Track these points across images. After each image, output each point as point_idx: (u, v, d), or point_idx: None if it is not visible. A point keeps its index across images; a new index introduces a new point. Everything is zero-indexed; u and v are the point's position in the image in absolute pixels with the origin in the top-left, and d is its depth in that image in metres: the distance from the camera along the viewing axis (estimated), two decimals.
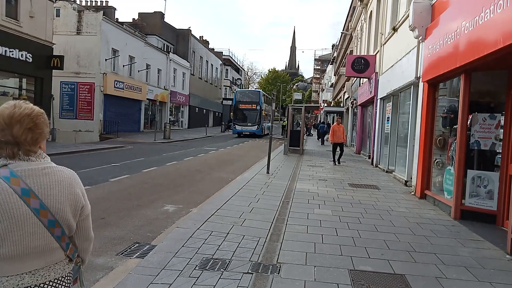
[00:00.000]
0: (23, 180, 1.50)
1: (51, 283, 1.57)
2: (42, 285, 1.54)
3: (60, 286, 1.61)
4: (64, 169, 1.68)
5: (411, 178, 9.88)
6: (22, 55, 17.59)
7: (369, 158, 16.74)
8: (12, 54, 17.02)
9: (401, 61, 11.51)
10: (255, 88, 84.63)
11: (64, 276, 1.63)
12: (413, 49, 10.10)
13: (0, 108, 1.55)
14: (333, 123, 43.01)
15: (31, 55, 18.06)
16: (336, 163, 14.77)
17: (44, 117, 1.62)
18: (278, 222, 6.09)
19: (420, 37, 9.17)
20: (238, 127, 34.51)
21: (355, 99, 23.61)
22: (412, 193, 9.24)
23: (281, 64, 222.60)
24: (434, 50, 8.16)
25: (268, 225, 5.84)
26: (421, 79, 9.25)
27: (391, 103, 13.34)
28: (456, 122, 7.20)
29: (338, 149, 15.30)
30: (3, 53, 16.51)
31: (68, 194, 1.60)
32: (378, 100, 15.28)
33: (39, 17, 18.49)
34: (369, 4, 19.37)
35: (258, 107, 34.59)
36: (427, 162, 8.69)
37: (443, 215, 7.20)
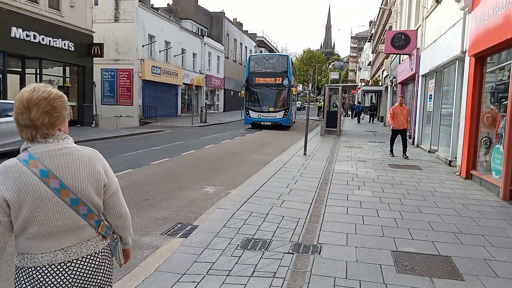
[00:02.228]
0: (41, 162, 1.54)
1: (84, 259, 1.62)
2: (75, 261, 1.60)
3: (93, 261, 1.65)
4: (84, 148, 1.69)
5: (456, 158, 9.48)
6: (64, 44, 18.26)
7: (410, 138, 16.20)
8: (56, 44, 17.71)
9: (445, 35, 10.93)
10: None
11: (97, 252, 1.67)
12: (458, 21, 9.54)
13: (21, 91, 1.58)
14: (371, 102, 42.30)
15: (73, 44, 18.72)
16: (399, 155, 11.57)
17: (62, 100, 1.64)
18: (317, 203, 6.07)
19: (467, 8, 8.64)
20: (253, 114, 22.68)
21: (394, 77, 22.79)
22: (457, 173, 8.88)
23: (316, 43, 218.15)
24: (482, 22, 7.67)
25: (307, 206, 5.83)
26: (467, 53, 8.75)
27: (434, 80, 12.76)
28: (505, 98, 6.79)
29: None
30: (48, 43, 17.22)
31: (88, 173, 1.62)
32: (420, 77, 14.66)
33: (79, 6, 19.06)
34: None
35: (286, 82, 22.37)
36: (474, 141, 8.29)
37: (491, 195, 6.89)
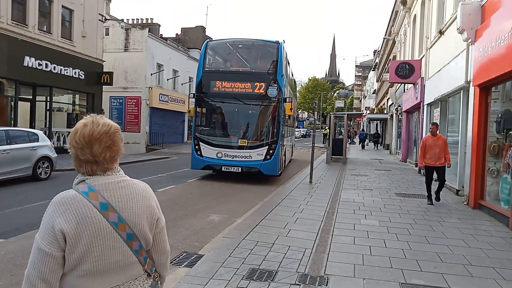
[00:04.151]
0: (101, 194, 1.49)
1: None
2: None
3: None
4: (138, 181, 1.66)
5: (463, 187, 9.40)
6: (75, 72, 18.69)
7: (416, 166, 16.11)
8: (67, 72, 18.15)
9: (449, 65, 11.07)
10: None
11: None
12: (461, 52, 9.69)
13: (78, 126, 1.54)
14: (377, 130, 42.51)
15: (83, 73, 19.17)
16: (434, 200, 8.80)
17: (120, 133, 1.62)
18: (324, 233, 6.01)
19: (470, 40, 8.80)
20: (207, 151, 12.04)
21: (399, 106, 22.92)
22: (465, 202, 8.78)
23: (321, 72, 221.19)
24: (486, 53, 7.79)
25: (313, 236, 5.78)
26: (471, 83, 8.83)
27: (439, 109, 12.83)
28: (511, 127, 6.80)
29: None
30: (59, 72, 17.65)
31: (144, 207, 1.59)
32: (425, 106, 14.75)
33: (90, 36, 19.64)
34: (413, 7, 18.84)
35: (273, 91, 11.89)
36: (481, 170, 8.24)
37: (500, 226, 6.78)
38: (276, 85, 11.72)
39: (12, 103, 15.89)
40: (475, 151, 8.39)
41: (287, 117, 14.12)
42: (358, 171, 15.00)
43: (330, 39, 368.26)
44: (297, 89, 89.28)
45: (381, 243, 5.51)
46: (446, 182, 9.09)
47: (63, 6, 17.83)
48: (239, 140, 11.92)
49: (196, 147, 12.10)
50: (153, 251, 1.69)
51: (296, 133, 48.44)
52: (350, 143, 37.08)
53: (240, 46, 13.45)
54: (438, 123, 10.74)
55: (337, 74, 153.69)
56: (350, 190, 10.33)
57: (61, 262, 1.45)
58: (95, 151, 1.51)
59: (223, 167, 11.79)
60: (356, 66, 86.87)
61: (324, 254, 4.99)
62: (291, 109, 12.33)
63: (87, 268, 1.46)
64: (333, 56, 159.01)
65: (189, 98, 12.72)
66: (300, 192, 9.66)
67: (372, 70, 53.74)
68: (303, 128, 61.90)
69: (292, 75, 17.91)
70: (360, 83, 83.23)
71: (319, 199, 8.80)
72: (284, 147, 13.49)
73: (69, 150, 1.56)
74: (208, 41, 12.90)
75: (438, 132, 8.97)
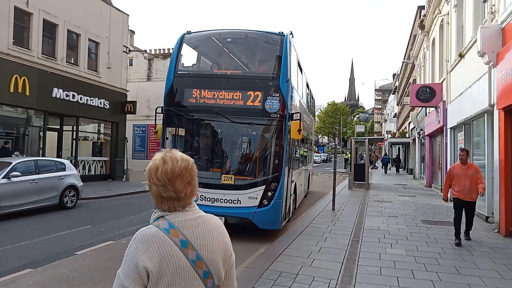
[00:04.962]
0: (181, 231, 1.48)
1: None
2: None
3: None
4: (213, 217, 1.64)
5: (493, 214, 9.08)
6: (100, 102, 19.34)
7: (442, 191, 15.71)
8: (92, 102, 18.79)
9: (471, 88, 10.93)
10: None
11: None
12: (483, 75, 9.58)
13: (157, 162, 1.53)
14: (398, 154, 42.01)
15: (108, 102, 19.81)
16: (463, 238, 7.49)
17: (195, 166, 1.60)
18: (349, 262, 5.88)
19: (491, 63, 8.71)
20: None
21: (421, 129, 22.60)
22: (495, 230, 8.46)
23: (340, 96, 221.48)
24: (509, 75, 7.68)
25: (338, 266, 5.66)
26: (495, 106, 8.68)
27: (463, 133, 12.59)
28: None
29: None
30: (85, 102, 18.29)
31: (219, 244, 1.57)
32: (448, 130, 14.50)
33: (115, 67, 20.40)
34: (431, 31, 18.85)
35: (273, 104, 7.85)
36: (510, 196, 7.97)
37: None
38: (278, 94, 7.81)
39: (41, 133, 16.49)
40: (503, 176, 8.15)
41: (296, 141, 9.95)
42: (381, 197, 14.71)
43: (347, 63, 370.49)
44: (317, 114, 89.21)
45: (409, 274, 5.34)
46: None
47: (89, 39, 18.70)
48: (223, 176, 7.95)
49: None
50: (222, 287, 1.66)
51: (316, 158, 48.23)
52: (372, 168, 36.59)
53: (228, 40, 9.47)
54: (464, 147, 10.33)
55: (356, 98, 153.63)
56: (374, 217, 10.12)
57: None
58: (178, 188, 1.51)
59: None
60: (375, 89, 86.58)
61: (350, 285, 4.87)
62: (299, 130, 7.69)
63: None
64: (351, 80, 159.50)
65: (155, 113, 8.66)
66: (322, 220, 9.52)
67: (392, 94, 53.45)
68: (323, 153, 61.47)
69: (308, 87, 13.88)
70: (380, 106, 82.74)
71: (342, 227, 8.65)
72: (293, 184, 9.40)
73: (148, 188, 1.55)
74: (184, 34, 8.91)
75: (468, 159, 7.65)
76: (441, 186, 15.77)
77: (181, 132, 8.90)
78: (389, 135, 46.83)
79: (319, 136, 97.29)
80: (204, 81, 8.56)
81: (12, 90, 14.38)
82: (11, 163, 9.93)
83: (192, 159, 1.61)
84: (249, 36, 9.37)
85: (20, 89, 14.69)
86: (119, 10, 21.09)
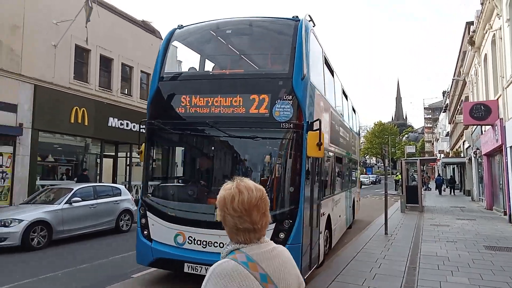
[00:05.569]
0: (259, 265, 1.43)
1: None
2: None
3: None
4: (284, 248, 1.60)
5: None
6: (134, 126, 19.46)
7: (505, 214, 14.63)
8: (144, 130, 19.61)
9: None
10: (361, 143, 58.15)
11: None
12: None
13: (231, 192, 1.48)
14: (452, 174, 39.79)
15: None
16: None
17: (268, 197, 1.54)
18: None
19: None
20: (160, 231, 6.02)
21: (478, 148, 21.40)
22: None
23: (387, 116, 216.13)
24: None
25: None
26: None
27: None
28: None
29: None
30: (137, 129, 19.18)
31: (294, 276, 1.54)
32: (508, 149, 13.63)
33: (147, 89, 21.22)
34: (482, 47, 18.09)
35: (285, 111, 5.70)
36: None
37: None
38: (290, 96, 5.74)
39: (98, 160, 17.46)
40: None
41: (330, 161, 8.24)
42: (437, 221, 13.96)
43: (393, 82, 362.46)
44: (363, 134, 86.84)
45: None
46: None
47: (141, 71, 19.78)
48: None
49: (142, 221, 6.31)
50: None
51: (364, 179, 46.64)
52: (425, 190, 34.99)
53: (228, 31, 7.56)
54: None
55: (404, 117, 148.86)
56: (431, 242, 9.61)
57: None
58: (254, 219, 1.46)
59: (186, 264, 5.63)
60: (424, 108, 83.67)
61: None
62: (318, 144, 5.49)
63: None
64: (398, 99, 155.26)
65: (139, 128, 7.33)
66: (375, 245, 9.18)
67: (443, 112, 51.31)
68: (372, 174, 59.66)
69: (346, 96, 11.45)
70: (431, 125, 79.64)
71: (397, 253, 8.28)
72: (323, 218, 7.20)
73: (220, 219, 1.51)
74: (175, 29, 7.22)
75: None
76: (504, 209, 14.73)
77: (165, 153, 7.64)
78: (442, 155, 44.76)
79: (367, 156, 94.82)
80: (195, 85, 6.68)
81: (72, 121, 15.43)
82: (73, 189, 10.58)
83: (263, 188, 1.55)
84: (254, 24, 7.35)
85: (79, 119, 15.73)
86: None
